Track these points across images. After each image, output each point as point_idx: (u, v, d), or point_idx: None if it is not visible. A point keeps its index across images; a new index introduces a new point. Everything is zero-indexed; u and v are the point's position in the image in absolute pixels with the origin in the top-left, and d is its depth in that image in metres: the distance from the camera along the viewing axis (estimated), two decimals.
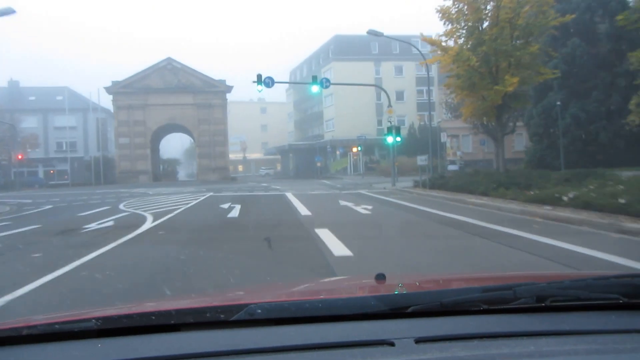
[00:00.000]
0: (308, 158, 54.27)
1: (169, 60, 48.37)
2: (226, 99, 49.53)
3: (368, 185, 27.97)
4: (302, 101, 67.25)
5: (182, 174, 70.06)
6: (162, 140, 58.42)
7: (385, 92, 27.94)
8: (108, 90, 47.50)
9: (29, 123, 48.98)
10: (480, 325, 1.19)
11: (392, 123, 24.94)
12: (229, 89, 48.83)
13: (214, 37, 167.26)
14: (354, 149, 46.50)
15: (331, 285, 2.30)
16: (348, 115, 52.62)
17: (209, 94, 47.66)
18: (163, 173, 64.43)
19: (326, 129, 57.58)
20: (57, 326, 1.23)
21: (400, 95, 54.93)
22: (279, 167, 74.98)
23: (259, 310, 1.21)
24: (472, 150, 49.33)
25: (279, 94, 78.64)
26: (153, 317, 1.25)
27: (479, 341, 1.11)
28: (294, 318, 1.22)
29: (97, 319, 1.22)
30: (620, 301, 1.27)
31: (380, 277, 1.66)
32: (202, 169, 48.69)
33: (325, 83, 24.63)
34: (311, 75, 62.46)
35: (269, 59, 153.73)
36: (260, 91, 23.72)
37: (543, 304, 1.26)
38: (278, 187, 29.23)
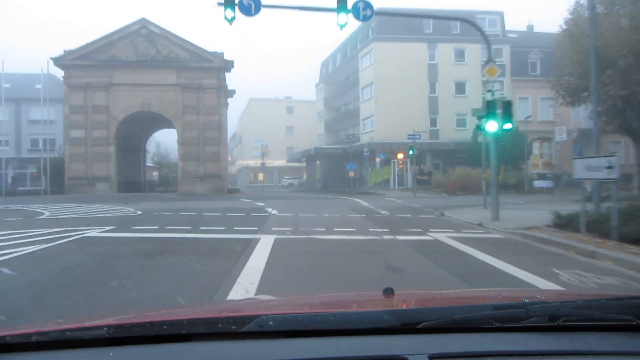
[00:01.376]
0: (339, 166, 42.00)
1: (144, 23, 33.51)
2: (224, 80, 35.59)
3: (434, 212, 15.51)
4: (335, 97, 55.13)
5: None
6: (156, 137, 46.58)
7: None
8: (57, 62, 33.47)
9: None
10: (493, 343, 1.18)
11: (494, 95, 12.41)
12: (228, 65, 34.46)
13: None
14: (400, 155, 33.71)
15: (341, 298, 2.29)
16: (392, 111, 40.04)
17: (199, 71, 33.17)
18: (162, 180, 52.97)
19: (363, 129, 45.05)
20: (68, 333, 1.20)
21: (460, 88, 42.13)
22: (305, 177, 62.98)
23: (271, 322, 1.21)
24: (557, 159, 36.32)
25: (308, 91, 66.96)
26: (165, 327, 1.24)
27: (493, 359, 1.10)
28: (305, 331, 1.21)
29: (109, 327, 1.22)
30: (634, 322, 1.27)
31: (389, 292, 1.64)
32: (186, 177, 34.12)
33: (363, 11, 12.13)
34: (345, 65, 50.38)
35: (296, 56, 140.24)
36: (229, 20, 11.60)
37: (555, 324, 1.24)
38: (268, 211, 17.33)
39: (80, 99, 33.05)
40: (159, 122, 36.96)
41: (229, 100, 39.83)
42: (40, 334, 1.19)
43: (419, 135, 32.26)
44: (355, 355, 1.10)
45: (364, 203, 22.42)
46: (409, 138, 29.91)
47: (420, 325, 1.22)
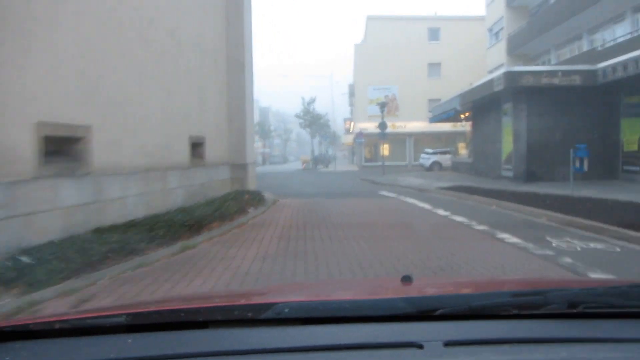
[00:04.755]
0: (571, 126, 14.29)
1: None
2: None
3: None
4: None
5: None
6: None
7: None
8: None
9: None
10: (510, 330, 1.16)
11: None
12: None
13: None
14: None
15: (357, 285, 2.27)
16: None
17: None
18: None
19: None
20: (88, 321, 1.24)
21: None
22: (462, 150, 35.46)
23: (287, 310, 1.22)
24: None
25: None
26: (182, 314, 1.24)
27: (510, 346, 1.08)
28: (322, 318, 1.21)
29: (128, 314, 1.24)
30: None
31: (407, 279, 1.62)
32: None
33: None
34: None
35: None
36: None
37: (575, 311, 1.21)
38: None
39: None
40: None
41: None
42: (62, 321, 1.22)
43: None
44: (371, 342, 1.09)
45: None
46: None
47: (437, 313, 1.21)
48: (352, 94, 48.51)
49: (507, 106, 19.56)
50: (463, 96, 23.01)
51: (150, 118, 8.28)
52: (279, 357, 1.05)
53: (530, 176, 17.46)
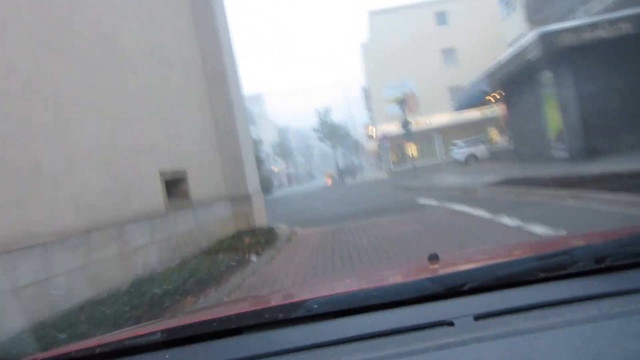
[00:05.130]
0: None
1: None
2: None
3: None
4: None
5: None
6: None
7: None
8: None
9: None
10: (539, 295, 1.15)
11: None
12: None
13: None
14: None
15: (385, 271, 2.28)
16: None
17: None
18: None
19: None
20: (126, 342, 1.26)
21: None
22: (495, 136, 32.44)
23: (316, 306, 1.22)
24: None
25: None
26: (215, 324, 1.26)
27: (540, 311, 1.08)
28: (352, 309, 1.21)
29: (162, 331, 1.26)
30: None
31: (434, 258, 1.63)
32: None
33: None
34: None
35: None
36: None
37: (603, 265, 1.20)
38: None
39: None
40: None
41: None
42: (101, 345, 1.24)
43: None
44: (402, 326, 1.10)
45: None
46: None
47: (465, 288, 1.20)
48: (367, 96, 45.94)
49: (546, 75, 16.69)
50: (490, 75, 20.16)
51: (86, 156, 5.93)
52: (314, 353, 1.06)
53: (591, 152, 14.48)
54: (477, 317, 1.07)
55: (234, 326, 1.22)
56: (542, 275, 1.20)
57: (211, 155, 10.06)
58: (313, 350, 1.06)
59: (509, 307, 1.09)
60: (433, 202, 12.34)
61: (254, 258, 7.46)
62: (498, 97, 22.97)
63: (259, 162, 35.88)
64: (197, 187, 8.85)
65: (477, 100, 23.10)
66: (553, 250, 1.31)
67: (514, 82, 19.40)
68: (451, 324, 1.06)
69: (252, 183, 10.92)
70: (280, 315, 1.22)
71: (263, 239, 8.65)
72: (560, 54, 14.78)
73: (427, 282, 1.24)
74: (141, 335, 1.27)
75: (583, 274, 1.19)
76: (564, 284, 1.18)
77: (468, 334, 1.00)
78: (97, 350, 1.21)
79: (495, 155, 25.07)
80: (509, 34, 28.51)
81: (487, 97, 22.01)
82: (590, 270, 1.19)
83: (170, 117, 8.45)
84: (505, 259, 1.53)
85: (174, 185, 8.22)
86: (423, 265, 1.67)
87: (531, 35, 15.72)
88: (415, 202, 13.53)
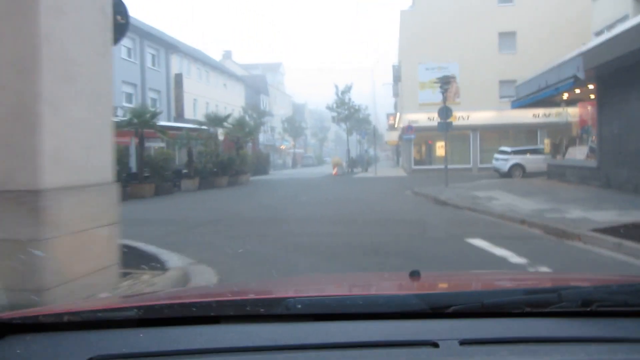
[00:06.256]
0: None
1: None
2: None
3: None
4: None
5: None
6: None
7: None
8: None
9: None
10: (525, 329, 1.14)
11: None
12: None
13: None
14: None
15: (368, 280, 2.20)
16: None
17: None
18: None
19: None
20: (99, 314, 1.21)
21: None
22: (547, 147, 25.37)
23: (299, 305, 1.19)
24: None
25: None
26: (194, 309, 1.23)
27: (526, 346, 1.07)
28: (334, 314, 1.19)
29: (139, 307, 1.22)
30: None
31: (415, 274, 1.60)
32: None
33: None
34: None
35: None
36: None
37: (589, 309, 1.18)
38: None
39: None
40: None
41: None
42: (72, 313, 1.19)
43: None
44: (386, 340, 1.08)
45: None
46: None
47: (450, 310, 1.19)
48: (397, 79, 38.97)
49: None
50: (588, 56, 13.39)
51: None
52: (292, 355, 1.04)
53: None
54: (463, 342, 1.05)
55: (212, 314, 1.19)
56: (528, 309, 1.18)
57: None
58: (294, 351, 1.04)
59: (496, 337, 1.09)
60: (503, 252, 5.91)
61: None
62: (570, 96, 16.29)
63: (250, 134, 29.29)
64: None
65: (552, 92, 16.21)
66: (541, 287, 1.43)
67: (618, 74, 12.73)
68: (436, 345, 1.05)
69: (75, 163, 4.31)
70: (261, 309, 1.20)
71: None
72: None
73: (414, 299, 1.22)
74: (115, 309, 1.25)
75: (569, 314, 1.18)
76: (550, 322, 1.17)
77: (453, 357, 1.00)
78: (66, 318, 1.18)
79: (557, 172, 18.40)
80: (603, 17, 21.43)
81: (575, 89, 15.09)
82: (576, 311, 1.18)
83: None
84: (491, 288, 1.60)
85: None
86: (405, 279, 1.66)
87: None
88: (458, 236, 7.12)
